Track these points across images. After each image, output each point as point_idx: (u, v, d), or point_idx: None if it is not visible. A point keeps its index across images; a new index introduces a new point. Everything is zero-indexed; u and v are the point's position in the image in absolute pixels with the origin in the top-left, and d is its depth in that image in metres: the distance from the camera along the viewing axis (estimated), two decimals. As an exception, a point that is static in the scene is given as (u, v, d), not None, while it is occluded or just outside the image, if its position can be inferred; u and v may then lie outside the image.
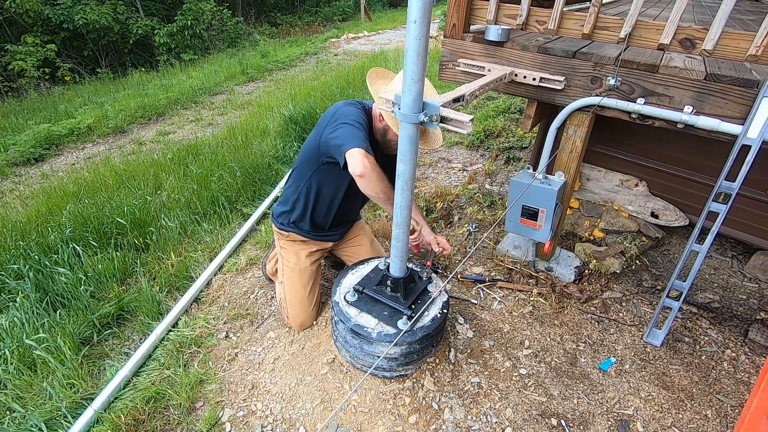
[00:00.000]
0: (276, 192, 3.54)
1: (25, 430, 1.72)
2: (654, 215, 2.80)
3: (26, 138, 5.10)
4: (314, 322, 2.22)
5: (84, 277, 2.44)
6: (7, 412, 1.82)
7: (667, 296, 2.03)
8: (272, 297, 2.47)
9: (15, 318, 2.16)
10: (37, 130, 5.33)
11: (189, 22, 11.53)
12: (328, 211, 2.07)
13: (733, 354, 2.11)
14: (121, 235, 2.90)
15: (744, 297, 2.46)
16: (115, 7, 11.39)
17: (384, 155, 1.99)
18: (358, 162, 1.57)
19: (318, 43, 11.93)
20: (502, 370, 1.99)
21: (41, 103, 7.66)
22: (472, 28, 2.32)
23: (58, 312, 2.25)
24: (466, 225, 3.06)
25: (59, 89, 8.89)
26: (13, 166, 4.69)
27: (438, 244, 2.02)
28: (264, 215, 3.28)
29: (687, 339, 2.19)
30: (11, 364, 1.98)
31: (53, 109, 6.76)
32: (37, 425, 1.73)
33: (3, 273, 2.44)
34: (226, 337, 2.22)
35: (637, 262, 2.68)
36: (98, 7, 10.94)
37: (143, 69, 10.36)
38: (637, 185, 2.87)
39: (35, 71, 9.46)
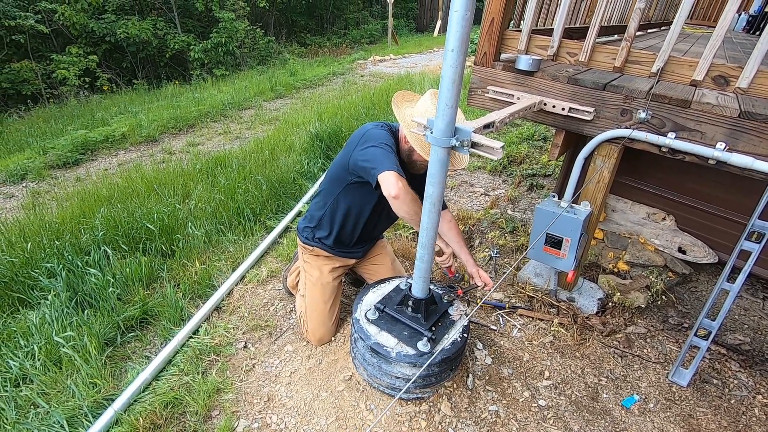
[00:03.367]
0: (299, 207, 3.61)
1: (47, 426, 1.76)
2: (681, 251, 2.74)
3: (64, 142, 5.34)
4: (333, 338, 2.22)
5: (112, 279, 2.52)
6: (32, 407, 1.86)
7: (695, 335, 1.97)
8: (291, 310, 2.50)
9: (45, 315, 2.23)
10: (75, 135, 5.59)
11: (223, 40, 12.01)
12: (353, 230, 2.10)
13: (765, 400, 2.03)
14: (150, 240, 2.98)
15: (776, 341, 2.37)
16: (155, 23, 11.98)
17: (411, 175, 2.02)
18: (392, 185, 1.61)
19: (345, 64, 12.25)
20: (520, 400, 1.95)
21: (80, 110, 8.04)
22: (503, 56, 2.37)
23: (86, 312, 2.31)
24: (488, 250, 3.05)
25: (97, 98, 9.33)
26: (51, 169, 4.90)
27: (480, 277, 1.99)
28: (287, 229, 3.34)
29: (715, 381, 2.12)
30: (38, 359, 2.04)
31: (90, 116, 7.09)
32: (59, 422, 1.77)
33: (37, 270, 2.53)
34: (244, 347, 2.24)
35: (663, 297, 2.61)
36: (139, 22, 11.53)
37: (177, 82, 10.82)
38: (664, 219, 2.83)
39: (76, 80, 9.96)
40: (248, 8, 13.28)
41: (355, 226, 2.09)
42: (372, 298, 2.01)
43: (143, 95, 9.09)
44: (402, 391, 1.74)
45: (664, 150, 1.90)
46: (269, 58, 13.68)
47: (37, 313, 2.28)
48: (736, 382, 2.12)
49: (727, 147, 1.74)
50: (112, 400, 1.87)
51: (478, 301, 2.53)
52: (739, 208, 2.56)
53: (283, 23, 17.70)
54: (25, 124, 7.28)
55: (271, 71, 11.13)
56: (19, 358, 2.05)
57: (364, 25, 20.34)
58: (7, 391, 1.92)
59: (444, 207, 2.10)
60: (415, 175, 2.02)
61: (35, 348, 2.08)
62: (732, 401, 2.02)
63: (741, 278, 1.80)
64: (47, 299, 2.35)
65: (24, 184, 4.48)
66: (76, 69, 10.16)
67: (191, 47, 11.98)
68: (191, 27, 13.23)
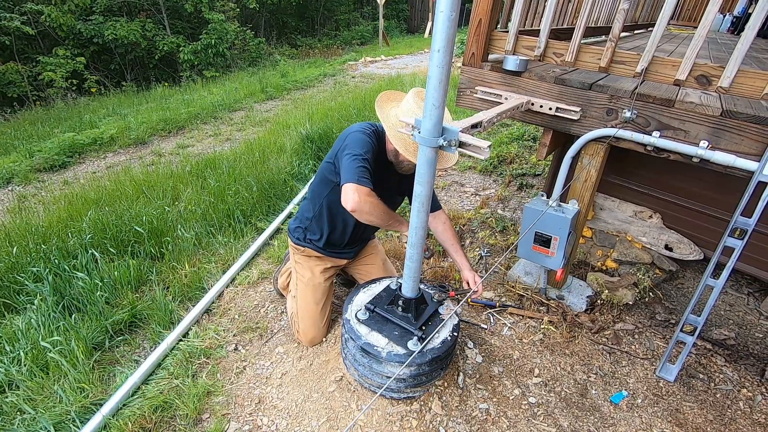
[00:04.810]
0: (290, 208, 3.60)
1: (34, 433, 1.74)
2: (668, 248, 2.78)
3: (51, 145, 5.26)
4: (324, 339, 2.22)
5: (100, 283, 2.49)
6: (18, 413, 1.84)
7: (681, 330, 2.00)
8: (282, 312, 2.49)
9: (32, 320, 2.20)
10: (62, 138, 5.51)
11: (213, 41, 11.95)
12: (343, 231, 2.11)
13: (750, 394, 2.06)
14: (138, 243, 2.95)
15: (760, 336, 2.41)
16: (144, 24, 11.88)
17: (400, 176, 2.03)
18: (348, 198, 1.64)
19: (336, 65, 12.24)
20: (511, 398, 1.97)
21: (67, 112, 7.93)
22: (491, 57, 2.39)
23: (73, 316, 2.28)
24: (478, 249, 3.06)
25: (85, 100, 9.21)
26: (37, 172, 4.83)
27: (475, 283, 2.00)
28: (277, 230, 3.33)
29: (701, 375, 2.15)
30: (25, 365, 2.01)
31: (78, 118, 7.01)
32: (46, 428, 1.74)
33: (23, 275, 2.50)
34: (235, 349, 2.23)
35: (651, 294, 2.65)
36: (128, 24, 11.43)
37: (166, 84, 10.72)
38: (651, 217, 2.87)
39: (64, 82, 9.84)
40: (238, 10, 13.23)
41: (345, 228, 2.10)
42: (362, 298, 2.01)
43: (132, 97, 8.99)
44: (384, 387, 1.75)
45: (650, 149, 1.93)
46: (260, 59, 13.64)
47: (24, 317, 2.25)
48: (721, 376, 2.15)
49: (710, 145, 1.78)
50: (101, 405, 1.85)
51: (469, 301, 2.54)
52: (722, 205, 2.60)
53: (274, 25, 17.65)
54: (10, 127, 7.16)
55: (262, 73, 11.10)
56: (4, 363, 2.01)
57: (355, 27, 20.35)
58: (-8, 397, 1.89)
59: (438, 208, 2.12)
60: (404, 176, 2.03)
61: (21, 353, 2.05)
62: (718, 395, 2.05)
63: (725, 274, 1.83)
64: (33, 304, 2.32)
65: (10, 188, 4.41)
66: (64, 71, 10.05)
67: (181, 49, 11.90)
68: (181, 28, 13.14)
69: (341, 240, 2.16)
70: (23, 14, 10.03)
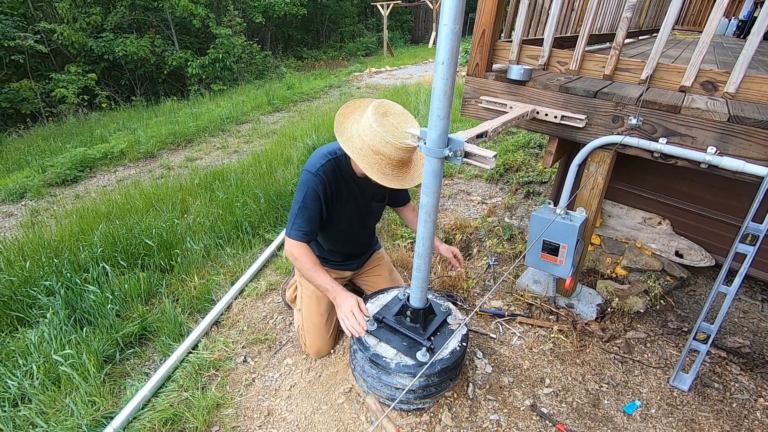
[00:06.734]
0: (297, 219, 3.61)
1: (46, 446, 1.75)
2: (678, 254, 2.75)
3: (63, 160, 5.37)
4: (332, 351, 2.22)
5: (111, 296, 2.51)
6: (31, 427, 1.85)
7: (694, 339, 1.97)
8: (291, 323, 2.49)
9: (44, 333, 2.23)
10: (74, 153, 5.62)
11: (220, 56, 12.16)
12: (333, 248, 2.15)
13: (767, 403, 2.02)
14: (148, 256, 2.98)
15: (776, 343, 2.37)
16: (153, 40, 12.14)
17: (384, 189, 1.99)
18: (288, 252, 1.88)
19: (341, 77, 12.37)
20: (521, 409, 1.94)
21: (78, 127, 8.10)
22: (495, 67, 2.40)
23: (84, 329, 2.31)
24: (485, 258, 3.05)
25: (96, 115, 9.41)
26: (49, 187, 4.92)
27: (455, 257, 2.13)
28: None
29: (716, 385, 2.11)
30: (37, 378, 2.03)
31: (89, 133, 7.14)
32: (57, 442, 1.76)
33: (36, 289, 2.53)
34: (244, 361, 2.23)
35: (662, 301, 2.61)
36: (137, 40, 11.69)
37: (175, 98, 10.91)
38: (660, 223, 2.84)
39: (75, 98, 10.06)
40: (245, 24, 13.47)
41: (334, 246, 2.14)
42: (370, 308, 2.01)
43: (141, 112, 9.16)
44: (397, 400, 1.74)
45: (656, 155, 1.92)
46: (266, 72, 13.84)
47: (36, 331, 2.28)
48: (737, 385, 2.11)
49: (718, 151, 1.76)
50: (111, 418, 1.86)
51: (477, 310, 2.53)
52: (732, 210, 2.57)
53: (280, 38, 17.93)
54: (24, 143, 7.33)
55: (268, 85, 11.24)
56: (17, 377, 2.04)
57: (359, 38, 20.60)
58: (5, 411, 1.90)
59: (407, 200, 2.27)
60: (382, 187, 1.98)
61: (34, 367, 2.07)
62: (734, 405, 2.01)
63: (737, 281, 1.80)
64: (46, 317, 2.35)
65: (23, 203, 4.50)
66: (75, 87, 10.28)
67: (189, 63, 12.13)
68: (189, 43, 13.41)
69: (336, 255, 2.20)
70: (36, 33, 10.31)
